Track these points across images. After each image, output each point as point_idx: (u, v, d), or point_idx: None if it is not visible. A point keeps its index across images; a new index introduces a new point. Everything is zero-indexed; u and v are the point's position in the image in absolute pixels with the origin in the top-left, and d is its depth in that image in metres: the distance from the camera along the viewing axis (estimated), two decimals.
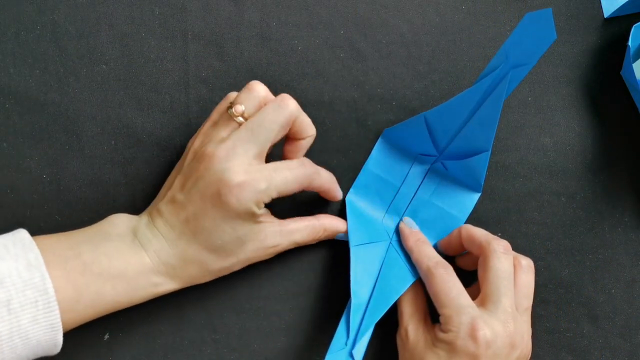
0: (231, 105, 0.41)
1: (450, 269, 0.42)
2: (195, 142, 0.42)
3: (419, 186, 0.47)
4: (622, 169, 0.49)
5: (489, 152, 0.44)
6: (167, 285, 0.40)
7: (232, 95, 0.42)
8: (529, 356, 0.42)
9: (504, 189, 0.48)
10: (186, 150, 0.43)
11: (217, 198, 0.38)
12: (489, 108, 0.42)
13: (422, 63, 0.48)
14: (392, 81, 0.48)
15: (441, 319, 0.41)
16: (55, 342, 0.37)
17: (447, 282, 0.41)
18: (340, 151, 0.47)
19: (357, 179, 0.47)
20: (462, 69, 0.48)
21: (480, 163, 0.45)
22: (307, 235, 0.43)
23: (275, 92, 0.47)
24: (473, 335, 0.39)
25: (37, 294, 0.35)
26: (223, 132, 0.40)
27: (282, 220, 0.43)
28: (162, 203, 0.41)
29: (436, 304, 0.41)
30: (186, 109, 0.46)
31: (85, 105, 0.45)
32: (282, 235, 0.42)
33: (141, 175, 0.46)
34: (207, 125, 0.42)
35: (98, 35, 0.46)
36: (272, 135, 0.40)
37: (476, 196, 0.47)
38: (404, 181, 0.47)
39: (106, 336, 0.44)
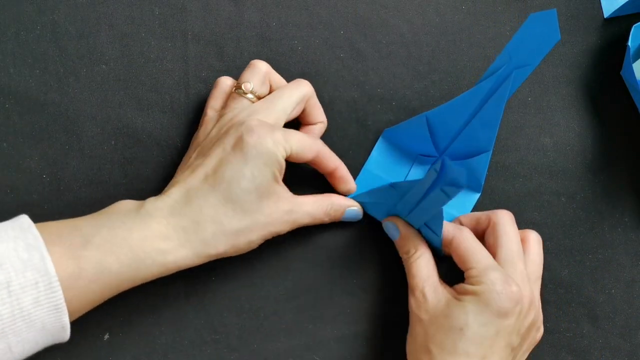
0: (238, 85, 0.43)
1: (471, 233, 0.43)
2: (212, 130, 0.43)
3: None
4: (622, 169, 0.49)
5: (490, 153, 0.45)
6: (177, 253, 0.38)
7: (224, 80, 0.44)
8: (541, 328, 0.44)
9: (504, 189, 0.48)
10: (194, 142, 0.44)
11: (240, 141, 0.40)
12: (491, 109, 0.42)
13: (422, 63, 0.48)
14: (392, 81, 0.48)
15: (470, 272, 0.41)
16: (61, 324, 0.35)
17: (476, 243, 0.42)
18: (340, 151, 0.47)
19: (356, 179, 0.47)
20: (462, 69, 0.48)
21: (481, 163, 0.45)
22: (317, 206, 0.43)
23: None
24: (506, 290, 0.40)
25: (38, 275, 0.34)
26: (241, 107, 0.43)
27: (292, 195, 0.43)
28: (178, 176, 0.41)
29: (465, 263, 0.42)
30: (186, 109, 0.46)
31: (85, 105, 0.45)
32: (294, 203, 0.42)
33: (141, 175, 0.46)
34: (210, 113, 0.44)
35: (98, 35, 0.46)
36: (288, 107, 0.43)
37: (476, 196, 0.47)
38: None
39: (106, 336, 0.44)
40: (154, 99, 0.46)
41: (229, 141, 0.40)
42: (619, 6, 0.49)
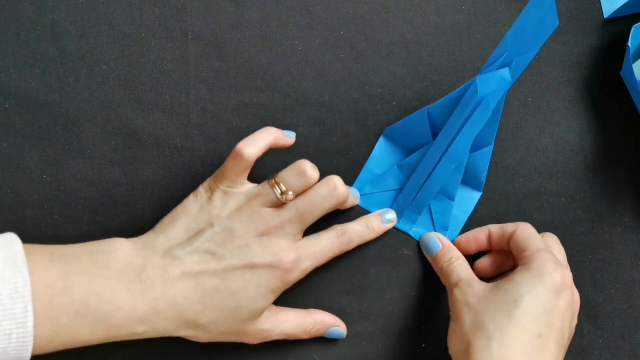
0: (276, 183, 0.41)
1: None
2: (235, 198, 0.41)
3: None
4: (622, 169, 0.49)
5: (491, 147, 0.45)
6: (149, 334, 0.39)
7: (248, 152, 0.40)
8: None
9: (504, 189, 0.48)
10: (205, 192, 0.41)
11: (266, 269, 0.40)
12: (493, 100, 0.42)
13: (422, 63, 0.48)
14: (392, 81, 0.48)
15: (524, 254, 0.41)
16: None
17: (536, 233, 0.43)
18: (340, 151, 0.47)
19: (357, 179, 0.47)
20: (462, 69, 0.48)
21: (483, 158, 0.45)
22: (297, 325, 0.43)
23: (275, 93, 0.47)
24: (558, 268, 0.39)
25: (14, 325, 0.33)
26: (269, 210, 0.41)
27: (276, 307, 0.43)
28: (184, 252, 0.39)
29: (521, 247, 0.42)
30: (186, 109, 0.46)
31: (85, 105, 0.45)
32: (272, 322, 0.42)
33: (141, 175, 0.46)
34: (218, 191, 0.41)
35: (98, 35, 0.46)
36: (316, 218, 0.42)
37: (477, 195, 0.47)
38: None
39: None
40: (154, 99, 0.46)
41: (258, 259, 0.39)
42: (619, 6, 0.49)
